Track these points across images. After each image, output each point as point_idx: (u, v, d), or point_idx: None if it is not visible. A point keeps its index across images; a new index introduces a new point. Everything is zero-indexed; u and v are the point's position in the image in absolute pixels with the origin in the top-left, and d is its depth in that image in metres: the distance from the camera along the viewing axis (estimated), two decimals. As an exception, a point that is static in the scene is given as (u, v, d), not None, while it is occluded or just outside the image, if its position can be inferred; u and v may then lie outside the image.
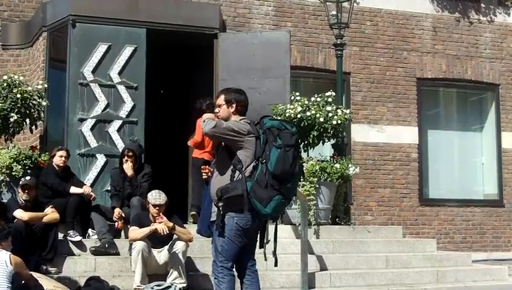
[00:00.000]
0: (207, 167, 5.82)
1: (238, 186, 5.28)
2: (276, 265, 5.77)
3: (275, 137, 5.31)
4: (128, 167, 8.66)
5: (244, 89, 5.82)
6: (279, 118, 7.02)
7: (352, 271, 8.50)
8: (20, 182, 7.78)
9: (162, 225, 7.37)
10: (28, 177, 7.81)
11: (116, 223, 8.35)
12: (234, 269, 5.54)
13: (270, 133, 5.34)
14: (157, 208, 7.49)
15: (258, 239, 5.59)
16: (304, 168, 9.21)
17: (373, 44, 12.97)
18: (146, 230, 7.40)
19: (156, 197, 7.55)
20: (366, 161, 12.55)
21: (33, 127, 9.62)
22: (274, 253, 5.68)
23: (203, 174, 5.79)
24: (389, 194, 12.70)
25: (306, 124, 9.62)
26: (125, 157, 8.70)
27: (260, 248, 5.58)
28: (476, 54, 13.68)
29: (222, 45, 10.84)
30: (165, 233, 7.38)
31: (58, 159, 8.63)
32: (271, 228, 5.68)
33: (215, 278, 5.50)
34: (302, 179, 6.21)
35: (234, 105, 5.59)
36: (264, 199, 5.23)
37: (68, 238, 8.12)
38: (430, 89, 13.53)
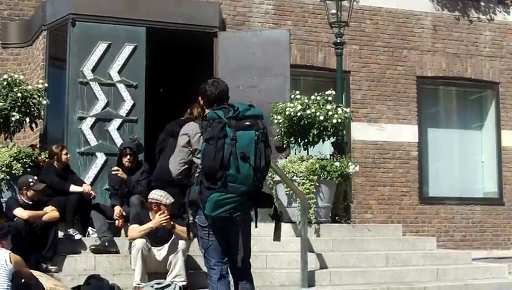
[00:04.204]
0: None
1: (192, 192, 5.12)
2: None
3: (205, 130, 4.92)
4: (121, 173, 8.61)
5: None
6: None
7: (352, 269, 8.50)
8: (31, 184, 7.69)
9: (162, 217, 7.34)
10: (35, 178, 7.79)
11: (116, 221, 8.34)
12: (228, 269, 5.40)
13: (205, 126, 4.95)
14: (164, 207, 7.45)
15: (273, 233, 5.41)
16: (304, 167, 9.24)
17: (373, 42, 12.97)
18: (146, 228, 7.41)
19: (163, 195, 7.48)
20: (366, 159, 12.55)
21: (33, 126, 9.62)
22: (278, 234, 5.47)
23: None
24: (389, 192, 12.70)
25: (306, 122, 9.61)
26: (128, 157, 8.66)
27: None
28: (476, 52, 13.68)
29: (222, 43, 10.84)
30: (168, 225, 7.38)
31: (65, 157, 8.65)
32: (270, 227, 5.62)
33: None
34: (261, 168, 4.93)
35: (200, 98, 5.34)
36: (203, 201, 4.95)
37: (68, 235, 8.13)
38: (430, 87, 13.53)
